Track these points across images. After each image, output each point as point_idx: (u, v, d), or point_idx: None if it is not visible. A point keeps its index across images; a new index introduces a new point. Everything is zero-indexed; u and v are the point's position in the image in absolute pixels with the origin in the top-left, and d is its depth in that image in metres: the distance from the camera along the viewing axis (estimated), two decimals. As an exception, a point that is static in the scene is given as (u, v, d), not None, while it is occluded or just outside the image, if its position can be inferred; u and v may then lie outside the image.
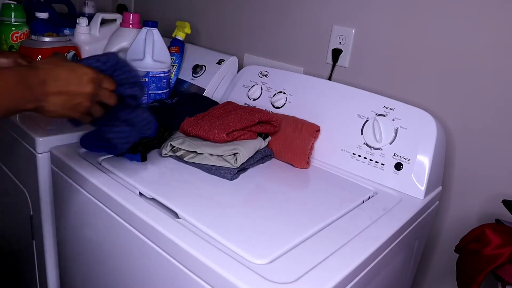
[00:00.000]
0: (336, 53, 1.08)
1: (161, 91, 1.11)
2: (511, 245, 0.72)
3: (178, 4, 1.51)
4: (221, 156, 0.80)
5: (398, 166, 0.84)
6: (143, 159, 0.81)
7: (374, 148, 0.87)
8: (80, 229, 0.81)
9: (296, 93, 1.01)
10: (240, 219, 0.66)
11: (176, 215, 0.66)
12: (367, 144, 0.88)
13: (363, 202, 0.78)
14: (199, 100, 1.07)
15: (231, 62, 1.20)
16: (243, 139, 0.85)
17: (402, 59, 0.98)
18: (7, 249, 1.20)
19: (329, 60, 1.10)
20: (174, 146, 0.84)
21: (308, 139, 0.89)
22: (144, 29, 1.08)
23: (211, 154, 0.81)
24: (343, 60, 1.07)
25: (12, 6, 1.06)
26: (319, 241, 0.62)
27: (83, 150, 0.84)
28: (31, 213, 0.94)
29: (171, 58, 1.16)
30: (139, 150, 0.83)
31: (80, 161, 0.79)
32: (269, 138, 0.92)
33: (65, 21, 1.29)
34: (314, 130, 0.92)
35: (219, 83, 1.18)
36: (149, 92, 1.08)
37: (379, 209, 0.75)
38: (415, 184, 0.82)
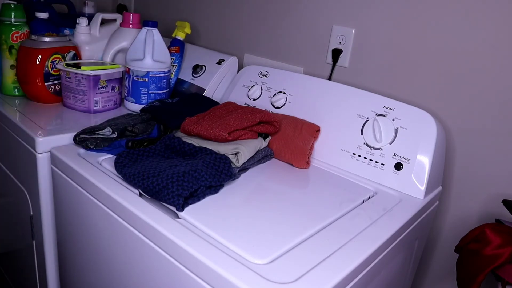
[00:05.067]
0: (336, 53, 1.08)
1: (161, 91, 1.11)
2: (511, 245, 0.72)
3: (178, 4, 1.51)
4: (221, 156, 0.80)
5: (398, 166, 0.84)
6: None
7: (374, 148, 0.87)
8: (80, 229, 0.81)
9: (296, 93, 1.01)
10: (240, 219, 0.66)
11: (176, 215, 0.66)
12: (367, 144, 0.88)
13: (363, 202, 0.78)
14: (199, 100, 1.07)
15: (231, 62, 1.20)
16: (244, 138, 0.85)
17: (402, 59, 0.98)
18: (7, 249, 1.20)
19: (329, 60, 1.10)
20: (174, 146, 0.84)
21: (308, 139, 0.89)
22: (144, 29, 1.08)
23: (211, 154, 0.80)
24: (343, 60, 1.07)
25: (12, 6, 1.06)
26: (319, 241, 0.62)
27: (83, 150, 0.84)
28: (31, 213, 0.94)
29: (171, 58, 1.16)
30: (128, 146, 0.83)
31: (80, 161, 0.80)
32: (269, 138, 0.92)
33: (65, 21, 1.29)
34: (314, 130, 0.92)
35: (219, 83, 1.18)
36: (149, 92, 1.08)
37: (379, 209, 0.75)
38: (415, 184, 0.82)
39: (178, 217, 0.65)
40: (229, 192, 0.74)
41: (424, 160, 0.82)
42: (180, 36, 1.21)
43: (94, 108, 1.05)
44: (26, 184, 0.94)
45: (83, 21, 1.16)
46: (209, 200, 0.70)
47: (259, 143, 0.87)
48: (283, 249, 0.59)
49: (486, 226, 0.76)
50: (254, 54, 1.28)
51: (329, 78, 1.10)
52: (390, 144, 0.86)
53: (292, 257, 0.58)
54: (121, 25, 1.19)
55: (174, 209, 0.66)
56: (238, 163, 0.79)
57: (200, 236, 0.60)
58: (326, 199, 0.76)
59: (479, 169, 0.91)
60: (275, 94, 1.04)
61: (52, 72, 1.06)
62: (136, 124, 0.90)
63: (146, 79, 1.07)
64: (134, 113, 1.01)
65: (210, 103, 1.06)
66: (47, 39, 1.04)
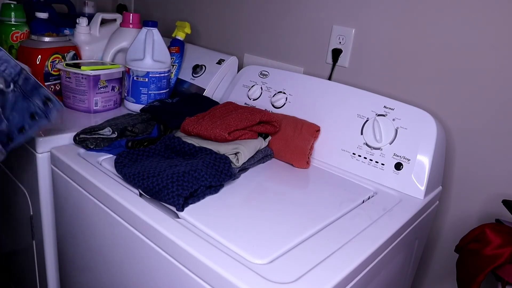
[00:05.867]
0: (336, 53, 1.08)
1: (161, 91, 1.11)
2: (511, 245, 0.72)
3: (178, 4, 1.51)
4: (221, 156, 0.80)
5: (398, 166, 0.84)
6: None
7: (374, 148, 0.87)
8: (80, 229, 0.81)
9: (296, 93, 1.01)
10: (240, 219, 0.66)
11: (176, 215, 0.66)
12: (367, 144, 0.88)
13: (363, 202, 0.78)
14: (200, 100, 1.07)
15: (231, 62, 1.20)
16: (244, 138, 0.85)
17: (402, 59, 0.98)
18: (7, 249, 1.20)
19: (329, 60, 1.10)
20: (174, 146, 0.84)
21: (308, 139, 0.89)
22: (144, 29, 1.08)
23: (211, 154, 0.80)
24: (343, 60, 1.07)
25: (12, 6, 1.06)
26: (319, 241, 0.62)
27: (83, 150, 0.84)
28: (31, 213, 0.94)
29: (171, 58, 1.16)
30: (128, 146, 0.83)
31: (80, 161, 0.80)
32: (269, 138, 0.92)
33: (65, 21, 1.29)
34: (314, 130, 0.92)
35: (219, 83, 1.18)
36: (149, 92, 1.08)
37: (379, 209, 0.75)
38: (415, 184, 0.82)
39: (178, 217, 0.65)
40: (229, 192, 0.74)
41: (424, 160, 0.82)
42: (180, 36, 1.21)
43: (94, 108, 1.05)
44: (26, 184, 0.94)
45: (83, 21, 1.16)
46: (209, 200, 0.70)
47: (259, 143, 0.87)
48: (283, 249, 0.59)
49: (486, 226, 0.76)
50: (254, 54, 1.28)
51: (329, 78, 1.10)
52: (390, 144, 0.86)
53: (292, 257, 0.58)
54: (121, 25, 1.19)
55: (174, 209, 0.66)
56: (238, 163, 0.79)
57: (200, 236, 0.60)
58: (326, 199, 0.76)
59: (479, 169, 0.91)
60: (275, 94, 1.04)
61: (52, 72, 1.06)
62: (136, 124, 0.90)
63: (146, 79, 1.07)
64: (134, 113, 1.01)
65: (210, 103, 1.06)
66: (47, 39, 1.04)
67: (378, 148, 0.87)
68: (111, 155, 0.83)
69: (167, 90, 1.14)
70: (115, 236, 0.71)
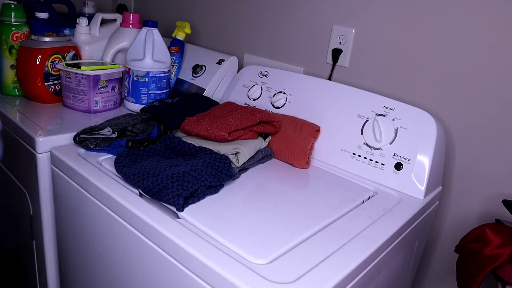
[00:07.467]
0: (336, 53, 1.08)
1: (161, 91, 1.11)
2: (511, 245, 0.72)
3: (178, 4, 1.51)
4: (221, 156, 0.80)
5: (398, 166, 0.84)
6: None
7: (374, 148, 0.87)
8: (80, 229, 0.81)
9: (296, 93, 1.01)
10: (240, 219, 0.66)
11: (176, 215, 0.66)
12: (367, 144, 0.88)
13: (363, 202, 0.78)
14: (200, 100, 1.07)
15: (231, 62, 1.20)
16: (244, 138, 0.86)
17: (402, 59, 0.98)
18: (7, 249, 1.20)
19: (329, 60, 1.10)
20: (174, 146, 0.84)
21: (308, 139, 0.89)
22: (144, 29, 1.08)
23: (211, 154, 0.80)
24: (343, 60, 1.07)
25: (12, 6, 1.06)
26: (319, 241, 0.62)
27: (83, 150, 0.84)
28: (31, 213, 0.94)
29: (171, 58, 1.16)
30: (128, 146, 0.84)
31: (80, 161, 0.80)
32: (270, 138, 0.92)
33: (65, 21, 1.29)
34: (314, 130, 0.92)
35: (219, 83, 1.18)
36: (149, 92, 1.08)
37: (379, 209, 0.75)
38: (415, 184, 0.82)
39: (178, 217, 0.65)
40: (229, 192, 0.74)
41: (424, 160, 0.82)
42: (180, 36, 1.21)
43: (94, 108, 1.05)
44: (26, 184, 0.94)
45: (83, 21, 1.16)
46: (209, 200, 0.70)
47: (259, 143, 0.87)
48: (283, 249, 0.59)
49: (486, 226, 0.76)
50: (254, 54, 1.28)
51: (329, 78, 1.10)
52: (390, 144, 0.86)
53: (292, 257, 0.58)
54: (121, 25, 1.19)
55: (174, 209, 0.66)
56: (238, 163, 0.80)
57: (200, 236, 0.60)
58: (326, 199, 0.76)
59: (479, 168, 0.91)
60: (275, 94, 1.04)
61: (52, 72, 1.06)
62: (136, 124, 0.90)
63: (146, 79, 1.07)
64: (134, 113, 1.01)
65: (210, 103, 1.06)
66: (47, 39, 1.04)
67: (378, 148, 0.87)
68: (111, 155, 0.83)
69: (167, 90, 1.14)
70: (115, 236, 0.71)
